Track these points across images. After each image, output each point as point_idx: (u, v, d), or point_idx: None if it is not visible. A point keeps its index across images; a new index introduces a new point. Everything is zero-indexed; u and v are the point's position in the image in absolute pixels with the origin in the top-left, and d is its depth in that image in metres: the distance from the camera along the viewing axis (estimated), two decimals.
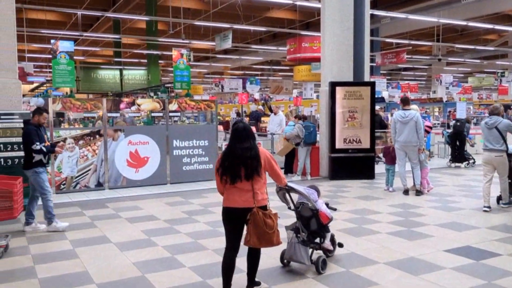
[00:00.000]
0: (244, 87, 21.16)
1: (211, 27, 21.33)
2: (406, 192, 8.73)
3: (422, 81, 44.61)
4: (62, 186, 8.94)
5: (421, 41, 22.51)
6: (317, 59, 17.37)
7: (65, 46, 9.63)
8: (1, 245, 5.14)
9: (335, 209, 4.93)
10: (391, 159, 9.08)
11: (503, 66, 31.55)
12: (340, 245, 5.01)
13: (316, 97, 27.55)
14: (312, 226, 4.61)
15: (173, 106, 10.28)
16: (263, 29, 20.52)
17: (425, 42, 22.20)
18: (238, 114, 18.07)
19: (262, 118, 17.45)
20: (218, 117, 19.92)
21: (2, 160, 7.16)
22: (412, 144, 8.52)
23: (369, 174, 10.56)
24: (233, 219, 3.82)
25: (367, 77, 11.10)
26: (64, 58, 9.60)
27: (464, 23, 17.57)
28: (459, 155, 12.63)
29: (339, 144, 10.50)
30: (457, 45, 24.43)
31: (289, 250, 4.55)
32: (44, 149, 6.22)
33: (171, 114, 10.43)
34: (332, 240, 4.91)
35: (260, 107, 18.44)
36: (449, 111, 24.82)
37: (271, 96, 30.05)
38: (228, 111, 24.14)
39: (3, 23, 7.72)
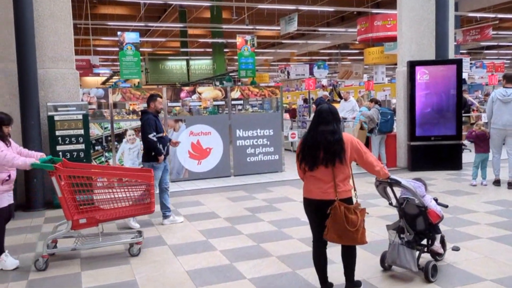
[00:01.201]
0: (311, 73, 20.17)
1: (276, 10, 20.49)
2: (497, 182, 7.57)
3: (506, 60, 40.69)
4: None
5: (509, 14, 20.06)
6: (391, 39, 15.97)
7: (131, 37, 9.45)
8: (138, 241, 4.86)
9: (446, 206, 4.15)
10: (481, 146, 7.67)
11: None
12: (456, 249, 4.18)
13: (388, 81, 25.91)
14: (419, 225, 3.94)
15: (235, 94, 9.67)
16: (331, 9, 19.35)
17: (508, 15, 19.74)
18: (305, 101, 17.19)
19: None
20: (285, 104, 19.23)
21: (60, 153, 6.93)
22: None
23: (455, 164, 9.29)
24: (312, 211, 3.49)
25: (451, 55, 9.78)
26: (131, 50, 9.43)
27: None
28: None
29: (420, 131, 9.33)
30: None
31: (391, 253, 3.93)
32: (155, 139, 5.87)
33: (233, 102, 9.82)
34: (442, 241, 4.16)
35: (326, 93, 17.42)
36: None
37: (339, 82, 28.74)
38: (295, 99, 23.29)
39: (59, 12, 7.47)
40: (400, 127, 9.83)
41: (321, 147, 3.36)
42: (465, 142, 9.02)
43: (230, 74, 21.63)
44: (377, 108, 9.34)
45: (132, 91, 9.01)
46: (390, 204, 4.05)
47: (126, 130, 8.65)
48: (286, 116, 15.10)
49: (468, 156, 10.44)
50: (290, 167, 10.04)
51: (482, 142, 7.65)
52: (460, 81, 9.24)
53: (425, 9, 9.57)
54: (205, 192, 8.02)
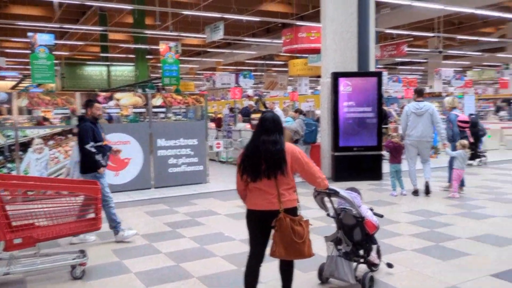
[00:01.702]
0: (237, 82, 20.04)
1: (201, 17, 20.15)
2: (415, 192, 7.80)
3: (418, 75, 43.65)
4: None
5: (422, 32, 21.42)
6: (315, 51, 16.27)
7: (44, 39, 8.70)
8: (82, 263, 4.26)
9: (381, 216, 4.12)
10: (396, 157, 7.85)
11: (503, 59, 30.59)
12: (390, 266, 4.18)
13: (311, 92, 26.52)
14: (356, 236, 3.91)
15: (157, 101, 9.14)
16: (256, 19, 19.41)
17: (427, 33, 21.13)
18: (231, 110, 16.97)
19: (256, 115, 16.35)
20: (210, 113, 18.85)
21: None
22: (426, 140, 7.75)
23: (376, 174, 9.49)
24: (257, 223, 3.33)
25: (372, 67, 10.04)
26: (43, 52, 8.69)
27: (470, 10, 16.50)
28: (471, 152, 11.61)
29: (343, 142, 9.42)
30: (459, 36, 23.39)
31: (329, 265, 3.87)
32: (93, 150, 5.36)
33: (155, 110, 9.31)
34: (378, 252, 4.17)
35: (251, 103, 17.34)
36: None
37: (264, 92, 28.95)
38: (221, 108, 23.02)
39: None
40: (324, 138, 9.88)
41: (262, 157, 3.23)
42: (384, 152, 9.25)
43: (154, 81, 20.89)
44: (302, 118, 9.31)
45: (40, 96, 8.17)
46: (328, 215, 3.98)
47: (32, 139, 7.81)
48: (212, 125, 14.74)
49: (388, 166, 10.73)
50: (215, 178, 9.68)
51: (397, 153, 7.86)
52: (380, 93, 9.48)
53: (348, 22, 9.74)
54: (122, 206, 7.39)
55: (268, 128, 3.30)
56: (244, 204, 3.45)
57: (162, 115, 12.39)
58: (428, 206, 7.01)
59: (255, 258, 3.38)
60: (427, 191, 7.74)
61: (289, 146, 3.34)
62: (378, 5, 16.59)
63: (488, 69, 34.53)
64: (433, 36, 26.32)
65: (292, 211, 3.26)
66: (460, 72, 32.78)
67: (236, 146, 12.17)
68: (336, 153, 9.45)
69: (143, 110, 9.42)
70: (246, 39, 24.94)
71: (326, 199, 3.88)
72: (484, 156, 11.73)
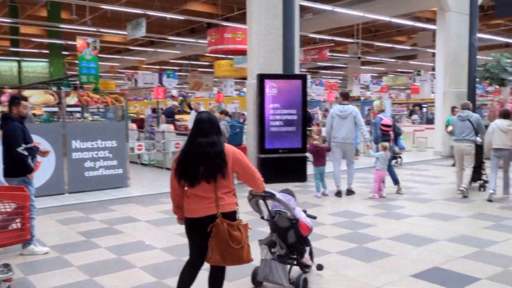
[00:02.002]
0: (160, 82, 19.43)
1: (122, 13, 19.28)
2: (338, 194, 7.97)
3: (338, 80, 45.48)
4: None
5: (343, 38, 22.24)
6: (241, 52, 16.20)
7: None
8: (7, 278, 3.77)
9: (315, 217, 4.15)
10: (319, 159, 7.94)
11: (415, 67, 32.71)
12: (320, 268, 4.10)
13: (237, 94, 26.50)
14: (290, 238, 3.87)
15: (71, 100, 8.48)
16: (181, 17, 18.90)
17: (347, 39, 21.99)
18: (154, 110, 16.37)
19: (180, 116, 15.92)
20: (132, 114, 18.07)
21: None
22: (349, 142, 7.94)
23: (301, 176, 9.57)
24: (196, 231, 3.18)
25: (297, 70, 10.13)
26: None
27: (386, 18, 17.37)
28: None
29: (269, 144, 9.38)
30: (376, 43, 24.60)
31: (263, 269, 3.77)
32: (25, 153, 4.81)
33: (70, 109, 8.64)
34: (311, 253, 4.17)
35: (175, 103, 16.88)
36: (368, 109, 25.11)
37: (189, 93, 28.45)
38: (144, 108, 22.21)
39: None
40: (250, 140, 9.79)
41: (200, 160, 3.10)
42: (308, 154, 9.37)
43: (70, 79, 19.64)
44: (227, 120, 9.14)
45: None
46: (262, 217, 3.92)
47: None
48: (133, 126, 14.09)
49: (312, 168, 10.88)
50: (136, 182, 9.22)
51: (319, 156, 7.93)
52: (305, 95, 9.58)
53: (273, 24, 9.74)
54: None
55: (205, 130, 3.17)
56: (170, 210, 3.20)
57: (78, 115, 11.61)
58: (351, 207, 7.15)
59: (192, 266, 3.27)
60: (349, 193, 8.02)
61: (229, 147, 3.25)
62: (302, 10, 16.91)
63: (402, 75, 36.75)
64: (353, 42, 27.52)
65: (231, 216, 3.16)
66: (376, 77, 34.62)
67: (159, 148, 11.72)
68: (262, 155, 9.39)
69: (55, 109, 8.69)
70: (170, 38, 24.32)
71: (261, 202, 3.82)
72: (400, 157, 12.33)
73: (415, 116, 21.09)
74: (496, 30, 24.49)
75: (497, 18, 21.72)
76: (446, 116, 13.30)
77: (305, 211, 4.06)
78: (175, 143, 10.92)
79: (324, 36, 21.36)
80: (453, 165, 10.10)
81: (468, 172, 7.89)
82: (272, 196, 3.65)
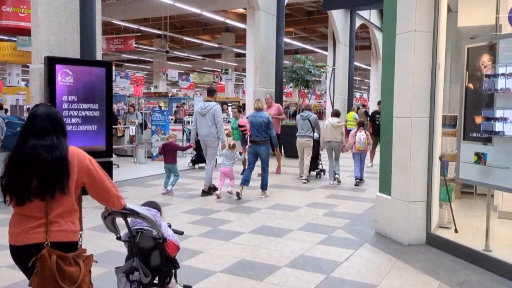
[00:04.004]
0: None
1: None
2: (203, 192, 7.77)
3: (144, 75, 43.61)
4: None
5: (151, 29, 20.70)
6: (26, 31, 13.25)
7: None
8: None
9: (181, 233, 3.43)
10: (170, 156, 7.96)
11: (220, 65, 33.31)
12: None
13: (25, 84, 22.49)
14: (154, 261, 3.15)
15: None
16: None
17: (156, 31, 20.55)
18: None
19: None
20: None
21: None
22: (209, 139, 7.76)
23: None
24: (20, 263, 2.38)
25: (99, 56, 8.40)
26: None
27: (197, 10, 16.63)
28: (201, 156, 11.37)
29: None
30: (185, 38, 23.83)
31: None
32: None
33: None
34: (175, 276, 3.34)
35: None
36: (177, 106, 24.19)
37: None
38: None
39: None
40: None
41: (32, 170, 2.36)
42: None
43: None
44: (2, 116, 6.90)
45: None
46: (118, 238, 3.14)
47: None
48: None
49: (118, 172, 9.29)
50: None
51: (167, 152, 7.94)
52: (110, 87, 7.96)
53: None
54: None
55: (39, 128, 2.43)
56: None
57: None
58: (202, 205, 6.97)
59: None
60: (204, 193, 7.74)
61: (75, 152, 2.51)
62: None
63: (208, 73, 37.19)
64: (160, 35, 26.31)
65: (69, 246, 2.40)
66: (183, 74, 34.16)
67: None
68: None
69: None
70: None
71: (117, 220, 3.04)
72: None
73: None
74: (289, 37, 26.39)
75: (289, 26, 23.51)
76: None
77: (169, 226, 3.30)
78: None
79: (130, 25, 19.54)
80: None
81: (306, 162, 9.20)
82: (134, 213, 2.90)
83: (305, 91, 15.29)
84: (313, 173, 9.73)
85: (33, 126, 2.46)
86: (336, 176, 8.96)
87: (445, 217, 5.64)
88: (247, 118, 8.14)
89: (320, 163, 9.87)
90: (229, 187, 7.76)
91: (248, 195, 7.60)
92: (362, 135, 8.87)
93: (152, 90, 36.22)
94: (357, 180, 8.89)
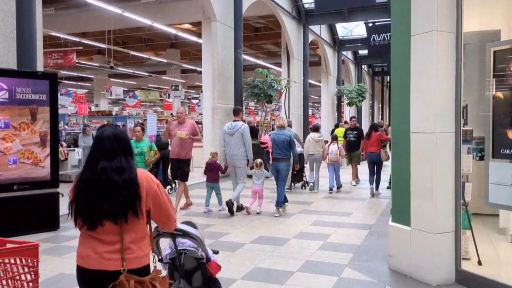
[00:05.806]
0: None
1: None
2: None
3: (85, 92, 41.12)
4: None
5: (95, 42, 19.15)
6: None
7: None
8: None
9: (217, 252, 3.23)
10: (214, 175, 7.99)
11: (167, 82, 31.90)
12: None
13: None
14: (195, 282, 3.03)
15: None
16: None
17: (100, 44, 19.01)
18: None
19: None
20: None
21: None
22: (237, 159, 7.72)
23: (51, 222, 6.59)
24: (88, 286, 2.36)
25: (40, 67, 7.12)
26: None
27: (149, 22, 15.44)
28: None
29: None
30: (132, 52, 22.40)
31: None
32: None
33: None
34: None
35: None
36: (123, 125, 22.62)
37: None
38: None
39: None
40: None
41: (103, 193, 2.28)
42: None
43: None
44: None
45: None
46: (160, 260, 2.97)
47: None
48: None
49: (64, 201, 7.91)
50: None
51: (211, 172, 7.93)
52: (55, 103, 6.69)
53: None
54: None
55: (109, 150, 2.37)
56: None
57: None
58: None
59: None
60: (230, 211, 7.61)
61: (143, 175, 2.43)
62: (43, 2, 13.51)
63: (154, 90, 35.66)
64: (101, 51, 24.65)
65: (142, 271, 2.33)
66: (128, 91, 32.37)
67: None
68: None
69: None
70: None
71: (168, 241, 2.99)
72: (173, 182, 10.46)
73: None
74: (247, 52, 25.65)
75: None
76: (216, 131, 12.35)
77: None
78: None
79: (72, 37, 17.94)
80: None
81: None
82: (186, 234, 2.90)
83: (265, 107, 14.44)
84: (298, 184, 10.62)
85: (102, 148, 2.40)
86: (311, 184, 10.09)
87: (463, 247, 4.94)
88: (269, 135, 8.24)
89: (304, 175, 10.60)
90: (257, 207, 7.77)
91: (221, 222, 6.61)
92: (334, 148, 10.01)
93: (93, 108, 34.14)
94: (331, 189, 9.94)
